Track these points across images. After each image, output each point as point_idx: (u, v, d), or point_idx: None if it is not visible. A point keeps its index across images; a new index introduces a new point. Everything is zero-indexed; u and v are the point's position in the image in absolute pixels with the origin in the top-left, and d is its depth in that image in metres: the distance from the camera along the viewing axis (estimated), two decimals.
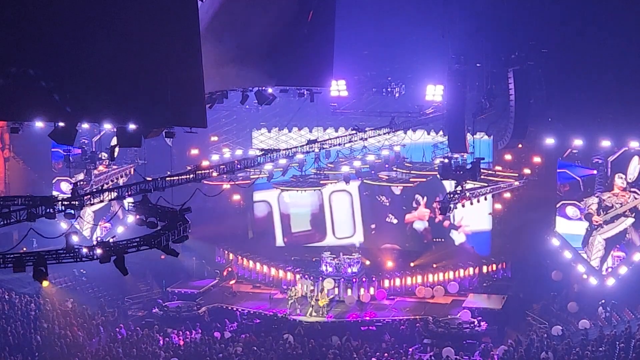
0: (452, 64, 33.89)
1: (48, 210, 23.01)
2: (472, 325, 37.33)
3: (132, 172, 43.58)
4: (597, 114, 36.68)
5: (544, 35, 35.93)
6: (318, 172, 42.03)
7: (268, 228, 47.53)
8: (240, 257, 45.85)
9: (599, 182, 39.15)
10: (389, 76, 40.83)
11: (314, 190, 44.67)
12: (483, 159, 37.03)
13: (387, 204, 45.90)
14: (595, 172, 39.10)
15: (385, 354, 35.15)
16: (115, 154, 27.63)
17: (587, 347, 33.15)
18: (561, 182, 39.80)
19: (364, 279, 41.95)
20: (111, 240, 21.52)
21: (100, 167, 42.46)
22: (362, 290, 41.40)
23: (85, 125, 39.71)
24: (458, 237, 45.19)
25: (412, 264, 44.38)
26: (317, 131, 45.55)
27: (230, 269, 45.54)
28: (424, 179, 42.30)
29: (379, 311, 40.04)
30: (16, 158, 45.45)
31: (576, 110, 37.15)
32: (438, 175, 36.43)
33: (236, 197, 46.51)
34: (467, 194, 34.49)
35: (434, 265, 43.77)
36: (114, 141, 25.62)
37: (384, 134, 37.78)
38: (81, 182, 38.89)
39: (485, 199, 36.76)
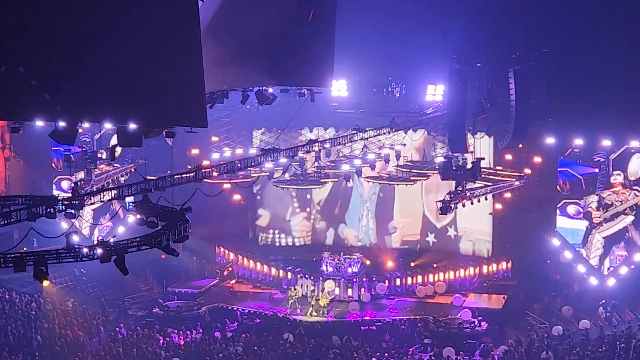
0: (453, 64, 33.87)
1: (48, 210, 23.01)
2: (472, 325, 37.33)
3: (133, 171, 43.65)
4: (597, 113, 36.65)
5: (545, 35, 35.90)
6: (318, 170, 42.02)
7: None
8: (240, 257, 45.87)
9: (600, 181, 39.19)
10: (389, 76, 40.84)
11: (315, 188, 44.70)
12: (483, 158, 37.04)
13: None
14: (597, 170, 39.12)
15: (386, 354, 35.13)
16: (117, 154, 27.67)
17: (588, 347, 33.16)
18: (562, 180, 39.83)
19: (364, 279, 41.97)
20: (112, 239, 21.51)
21: (103, 167, 42.49)
22: (362, 290, 41.44)
23: (86, 125, 39.85)
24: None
25: (412, 264, 44.41)
26: (317, 131, 45.58)
27: (230, 269, 45.57)
28: (425, 178, 42.30)
29: (379, 311, 40.04)
30: (17, 158, 45.49)
31: (577, 110, 37.14)
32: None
33: (237, 196, 46.53)
34: (468, 194, 34.50)
35: (434, 265, 43.81)
36: (115, 141, 25.64)
37: (385, 134, 37.77)
38: (82, 182, 38.94)
39: (486, 199, 36.75)
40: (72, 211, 24.79)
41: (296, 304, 40.00)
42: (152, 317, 40.13)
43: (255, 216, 48.95)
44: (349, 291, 41.44)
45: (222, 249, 46.96)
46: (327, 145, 33.98)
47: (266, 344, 36.01)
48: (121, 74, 19.96)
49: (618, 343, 32.90)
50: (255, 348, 35.43)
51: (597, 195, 39.30)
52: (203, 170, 27.65)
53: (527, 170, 40.13)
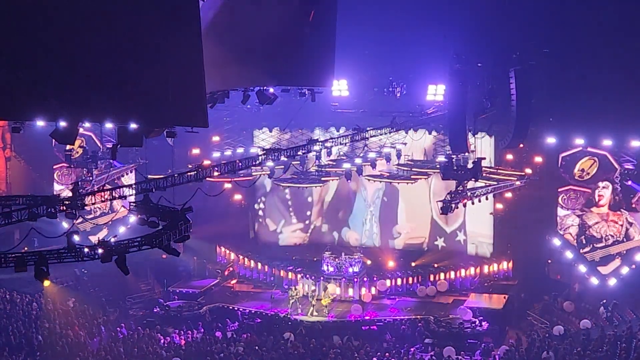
0: (453, 64, 33.84)
1: (49, 209, 23.00)
2: (473, 325, 37.34)
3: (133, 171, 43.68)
4: (598, 113, 36.65)
5: (545, 35, 35.92)
6: (319, 168, 42.02)
7: None
8: (241, 257, 45.89)
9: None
10: (390, 76, 40.83)
11: (315, 186, 44.71)
12: (484, 158, 37.05)
13: None
14: None
15: (387, 354, 35.13)
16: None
17: (589, 347, 33.16)
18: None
19: (365, 279, 41.98)
20: (112, 239, 21.52)
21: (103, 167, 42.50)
22: (363, 289, 41.46)
23: (87, 125, 39.84)
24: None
25: (413, 264, 44.42)
26: (318, 131, 45.59)
27: (231, 269, 45.59)
28: (425, 177, 42.29)
29: (380, 311, 40.06)
30: (17, 158, 45.49)
31: (577, 110, 37.14)
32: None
33: (237, 196, 46.53)
34: (468, 194, 34.51)
35: (435, 265, 43.83)
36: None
37: (385, 134, 37.77)
38: (82, 182, 38.92)
39: (487, 198, 36.75)
40: (73, 211, 24.81)
41: (297, 304, 40.00)
42: (153, 317, 40.16)
43: (256, 218, 48.99)
44: (350, 291, 41.46)
45: (223, 249, 46.98)
46: (329, 145, 33.98)
47: (267, 344, 36.02)
48: (122, 73, 19.95)
49: (619, 343, 32.90)
50: (256, 348, 35.44)
51: (577, 216, 39.20)
52: (204, 169, 27.61)
53: (528, 170, 40.11)
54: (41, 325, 36.25)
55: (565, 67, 36.85)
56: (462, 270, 42.88)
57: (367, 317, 39.18)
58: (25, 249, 26.10)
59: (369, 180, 43.85)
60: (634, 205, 38.55)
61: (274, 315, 39.13)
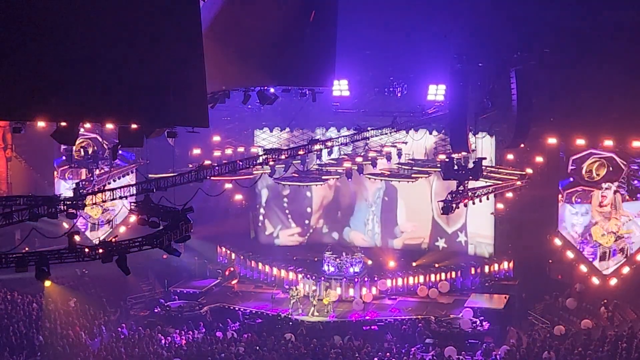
0: (454, 64, 33.85)
1: (50, 210, 23.02)
2: (474, 325, 37.32)
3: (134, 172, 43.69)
4: (599, 113, 36.62)
5: (546, 35, 35.89)
6: (320, 167, 42.01)
7: None
8: (242, 257, 45.90)
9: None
10: (391, 76, 40.80)
11: (317, 185, 44.73)
12: (485, 158, 37.03)
13: None
14: None
15: (387, 354, 35.12)
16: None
17: (590, 347, 33.14)
18: None
19: (366, 279, 41.98)
20: (113, 239, 21.53)
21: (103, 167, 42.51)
22: (364, 289, 41.46)
23: (88, 125, 39.87)
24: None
25: (414, 264, 44.42)
26: (319, 131, 45.59)
27: (232, 269, 45.58)
28: (426, 176, 42.28)
29: (381, 311, 40.05)
30: (18, 158, 45.46)
31: (578, 110, 37.12)
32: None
33: (238, 196, 46.53)
34: (469, 194, 34.50)
35: (436, 265, 43.82)
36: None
37: (386, 134, 37.77)
38: (83, 182, 38.95)
39: (488, 198, 36.74)
40: (74, 211, 24.84)
41: (298, 304, 40.00)
42: (154, 317, 40.16)
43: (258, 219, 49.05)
44: (351, 291, 41.47)
45: (223, 249, 46.98)
46: (329, 144, 34.00)
47: (268, 344, 36.01)
48: (122, 73, 19.96)
49: (620, 343, 32.88)
50: (257, 348, 35.44)
51: (582, 215, 39.15)
52: (205, 169, 27.63)
53: (529, 170, 40.10)
54: (42, 326, 36.25)
55: (566, 66, 36.81)
56: (464, 270, 42.83)
57: (367, 317, 39.17)
58: (26, 249, 26.09)
59: (369, 178, 43.83)
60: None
61: (276, 315, 39.07)
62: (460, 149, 35.03)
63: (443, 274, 42.64)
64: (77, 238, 21.49)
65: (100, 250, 20.77)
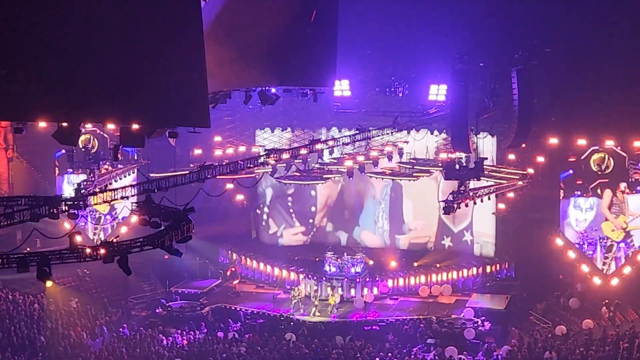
0: (455, 64, 33.84)
1: (51, 210, 23.03)
2: (475, 325, 37.31)
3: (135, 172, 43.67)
4: (600, 113, 36.61)
5: (547, 35, 35.89)
6: (321, 166, 42.00)
7: None
8: (243, 257, 45.90)
9: None
10: (392, 76, 40.75)
11: (318, 183, 44.74)
12: (486, 158, 37.00)
13: None
14: None
15: (389, 354, 35.12)
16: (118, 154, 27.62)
17: (591, 347, 33.13)
18: None
19: (367, 279, 41.97)
20: (115, 240, 21.53)
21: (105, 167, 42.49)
22: (365, 290, 41.45)
23: (89, 125, 39.88)
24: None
25: (415, 264, 44.41)
26: (320, 131, 45.57)
27: (233, 269, 45.58)
28: (427, 175, 42.27)
29: (382, 311, 40.05)
30: (20, 158, 45.50)
31: (579, 110, 37.10)
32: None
33: (239, 197, 46.53)
34: (471, 194, 34.48)
35: (437, 265, 43.80)
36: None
37: (388, 134, 37.77)
38: (85, 182, 38.95)
39: (489, 198, 36.73)
40: (75, 212, 24.84)
41: (299, 304, 39.99)
42: (155, 318, 40.19)
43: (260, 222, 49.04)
44: (352, 291, 41.46)
45: (225, 249, 46.98)
46: (331, 143, 34.00)
47: (269, 344, 36.01)
48: (124, 74, 19.95)
49: (621, 343, 32.87)
50: (259, 348, 35.43)
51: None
52: (206, 169, 27.62)
53: (530, 170, 40.08)
54: (44, 326, 36.28)
55: (568, 66, 36.81)
56: (465, 270, 42.83)
57: (369, 318, 39.17)
58: (28, 249, 26.10)
59: (370, 177, 43.81)
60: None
61: (279, 315, 39.06)
62: (462, 149, 35.03)
63: (445, 274, 42.61)
64: (78, 238, 21.50)
65: (102, 251, 20.77)
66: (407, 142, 41.95)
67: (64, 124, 21.74)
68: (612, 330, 34.84)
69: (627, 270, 38.60)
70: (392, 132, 37.85)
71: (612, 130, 37.23)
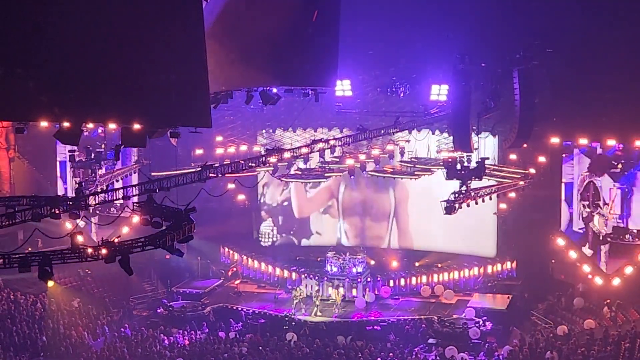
0: (457, 64, 33.84)
1: (53, 210, 23.03)
2: (477, 324, 37.30)
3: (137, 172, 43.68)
4: (602, 113, 36.57)
5: (549, 35, 35.86)
6: (323, 164, 42.00)
7: None
8: (245, 257, 45.91)
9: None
10: (393, 76, 40.75)
11: (319, 182, 44.72)
12: (488, 158, 37.00)
13: None
14: None
15: (390, 354, 35.14)
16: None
17: (593, 347, 33.12)
18: None
19: (368, 279, 41.96)
20: (116, 240, 21.54)
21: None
22: (366, 290, 41.44)
23: (90, 125, 39.82)
24: None
25: (416, 264, 44.39)
26: (321, 131, 45.57)
27: (235, 269, 45.60)
28: (429, 173, 42.24)
29: (383, 311, 40.04)
30: (21, 158, 45.45)
31: (581, 110, 37.08)
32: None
33: (241, 197, 46.53)
34: (472, 194, 34.47)
35: (439, 265, 43.78)
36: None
37: (389, 134, 37.77)
38: (86, 182, 38.92)
39: (490, 198, 36.70)
40: (77, 212, 24.85)
41: (301, 304, 40.00)
42: (157, 317, 40.21)
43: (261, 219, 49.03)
44: (354, 291, 41.46)
45: (226, 249, 47.02)
46: (332, 142, 34.01)
47: (270, 344, 36.02)
48: (125, 74, 19.96)
49: (623, 343, 32.85)
50: (260, 348, 35.45)
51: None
52: (208, 169, 27.62)
53: (532, 170, 40.07)
54: (45, 326, 36.30)
55: (569, 66, 36.77)
56: (466, 270, 42.82)
57: (371, 318, 39.17)
58: (29, 249, 26.10)
59: (372, 175, 43.77)
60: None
61: (283, 316, 39.04)
62: (463, 149, 35.03)
63: (446, 274, 42.61)
64: (79, 238, 21.51)
65: (103, 251, 20.78)
66: (408, 141, 41.96)
67: (66, 124, 21.75)
68: (613, 330, 34.83)
69: (628, 270, 38.56)
70: (393, 132, 37.86)
71: (613, 129, 37.19)
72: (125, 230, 42.10)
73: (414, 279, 42.64)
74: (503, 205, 42.30)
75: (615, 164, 37.84)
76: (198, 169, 27.13)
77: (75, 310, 38.62)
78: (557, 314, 38.61)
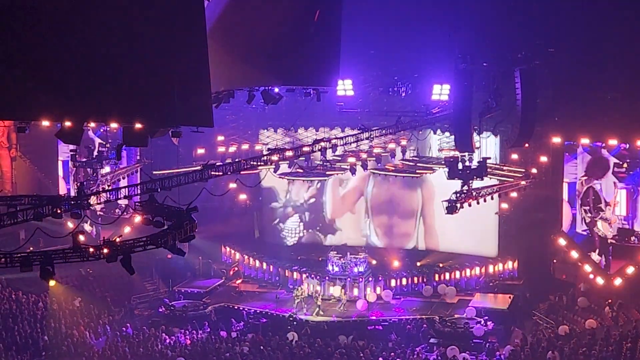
0: (459, 64, 33.80)
1: (54, 209, 23.04)
2: (478, 324, 37.28)
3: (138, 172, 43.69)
4: (604, 112, 36.55)
5: (551, 35, 35.85)
6: (324, 162, 41.97)
7: None
8: (246, 257, 45.91)
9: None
10: (395, 75, 40.79)
11: (320, 180, 44.64)
12: (489, 158, 36.99)
13: None
14: None
15: (392, 354, 35.12)
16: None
17: (594, 347, 33.09)
18: None
19: (370, 279, 41.94)
20: (118, 239, 21.55)
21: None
22: (368, 289, 41.43)
23: (92, 125, 39.86)
24: None
25: (418, 264, 44.37)
26: (323, 130, 45.55)
27: (236, 269, 45.59)
28: (431, 172, 42.21)
29: (385, 311, 40.03)
30: (23, 157, 45.50)
31: (583, 109, 37.06)
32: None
33: (242, 196, 46.52)
34: (474, 194, 34.46)
35: (440, 265, 43.76)
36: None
37: (391, 133, 37.77)
38: (88, 182, 38.95)
39: (492, 198, 36.69)
40: (78, 211, 24.85)
41: (302, 304, 40.00)
42: (158, 317, 40.19)
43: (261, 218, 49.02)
44: (355, 291, 41.44)
45: (228, 249, 47.03)
46: (334, 141, 34.02)
47: (272, 343, 36.02)
48: (127, 73, 19.99)
49: (624, 343, 32.82)
50: (262, 348, 35.45)
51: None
52: (210, 169, 27.62)
53: (534, 170, 40.05)
54: (47, 325, 36.31)
55: (571, 66, 36.76)
56: (468, 270, 42.81)
57: (372, 317, 39.16)
58: (31, 248, 26.12)
59: (372, 173, 43.68)
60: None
61: (288, 316, 38.98)
62: (465, 149, 35.03)
63: (447, 274, 42.60)
64: (81, 238, 21.52)
65: (105, 250, 20.79)
66: (409, 140, 41.94)
67: (68, 124, 21.77)
68: (615, 330, 34.79)
69: (630, 270, 38.52)
70: (395, 132, 37.86)
71: (615, 129, 37.15)
72: (127, 229, 42.17)
73: (415, 278, 42.60)
74: (505, 205, 42.25)
75: (621, 163, 37.68)
76: (199, 168, 27.13)
77: (77, 310, 38.63)
78: (559, 313, 38.58)
